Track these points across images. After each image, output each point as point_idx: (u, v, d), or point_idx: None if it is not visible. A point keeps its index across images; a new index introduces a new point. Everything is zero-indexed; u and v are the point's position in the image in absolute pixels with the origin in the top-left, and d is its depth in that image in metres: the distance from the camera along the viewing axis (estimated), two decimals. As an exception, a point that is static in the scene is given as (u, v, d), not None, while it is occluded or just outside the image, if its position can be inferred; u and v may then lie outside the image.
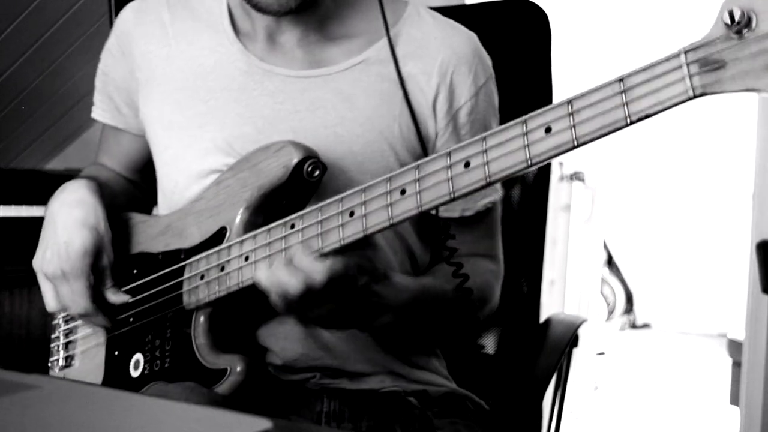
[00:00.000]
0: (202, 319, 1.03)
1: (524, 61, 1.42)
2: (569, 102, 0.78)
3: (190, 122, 1.11)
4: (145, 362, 1.08)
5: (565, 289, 3.51)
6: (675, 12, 4.66)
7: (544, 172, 1.44)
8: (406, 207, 0.88)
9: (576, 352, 1.37)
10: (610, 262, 5.75)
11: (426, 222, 1.16)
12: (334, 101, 1.08)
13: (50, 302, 1.10)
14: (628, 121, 0.75)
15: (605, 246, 5.19)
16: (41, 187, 2.18)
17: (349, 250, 0.92)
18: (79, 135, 2.93)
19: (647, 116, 0.75)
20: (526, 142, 0.80)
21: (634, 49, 4.40)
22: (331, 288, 0.89)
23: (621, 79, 0.75)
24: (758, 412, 2.48)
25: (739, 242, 4.40)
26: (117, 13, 1.99)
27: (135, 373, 1.09)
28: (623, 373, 4.48)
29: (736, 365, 2.80)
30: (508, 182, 1.44)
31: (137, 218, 1.18)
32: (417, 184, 0.87)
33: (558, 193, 3.50)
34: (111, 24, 1.97)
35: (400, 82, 1.07)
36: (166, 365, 1.06)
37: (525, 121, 0.80)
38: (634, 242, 5.82)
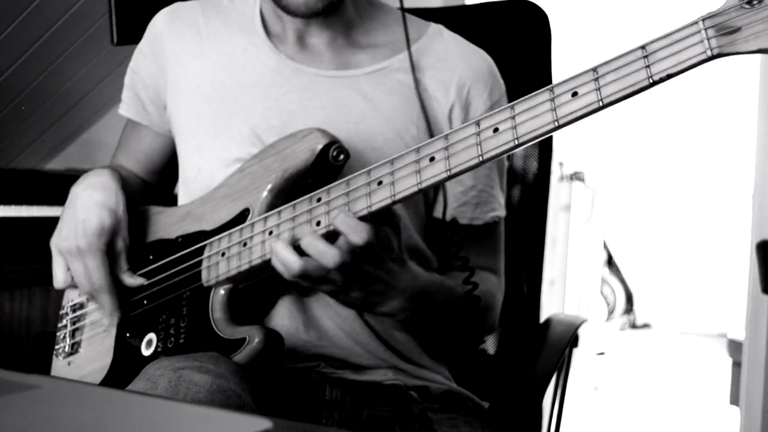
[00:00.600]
0: (221, 292, 1.04)
1: (524, 61, 1.42)
2: (594, 69, 0.82)
3: (218, 114, 1.14)
4: (158, 340, 1.09)
5: (565, 289, 3.51)
6: (674, 13, 4.66)
7: (544, 172, 1.44)
8: (436, 171, 0.89)
9: (576, 352, 1.37)
10: (610, 262, 5.76)
11: (433, 229, 1.17)
12: (357, 100, 1.12)
13: (59, 278, 1.12)
14: (651, 81, 0.80)
15: (605, 246, 5.19)
16: (41, 187, 2.19)
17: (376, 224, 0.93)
18: (79, 135, 2.93)
19: (669, 76, 0.80)
20: (553, 106, 0.83)
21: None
22: (367, 254, 0.90)
23: (643, 47, 0.81)
24: (758, 412, 2.48)
25: (739, 242, 4.40)
26: (117, 13, 2.00)
27: (147, 352, 1.09)
28: (623, 373, 4.48)
29: (736, 365, 2.80)
30: (509, 182, 1.44)
31: (154, 209, 1.19)
32: (446, 150, 0.88)
33: (558, 193, 3.50)
34: (111, 24, 1.98)
35: (417, 90, 1.12)
36: (181, 341, 1.06)
37: (552, 89, 0.84)
38: (634, 242, 5.82)
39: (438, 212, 1.16)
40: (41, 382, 0.65)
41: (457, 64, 1.16)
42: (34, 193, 2.16)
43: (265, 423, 0.54)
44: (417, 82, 1.12)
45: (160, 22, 1.24)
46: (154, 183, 1.31)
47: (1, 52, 2.35)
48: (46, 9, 2.30)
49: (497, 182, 1.19)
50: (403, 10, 1.17)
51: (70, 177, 1.17)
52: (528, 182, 1.44)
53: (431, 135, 1.11)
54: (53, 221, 1.14)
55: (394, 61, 1.15)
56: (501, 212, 1.19)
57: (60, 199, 1.15)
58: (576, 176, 3.57)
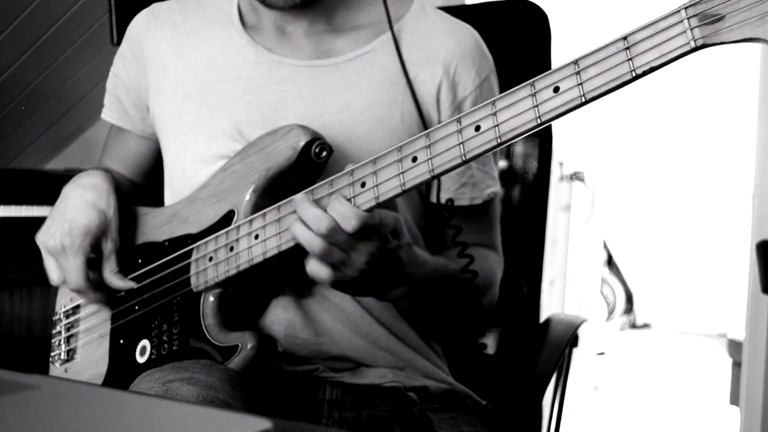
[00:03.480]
0: (211, 299, 1.04)
1: (524, 61, 1.42)
2: (575, 62, 0.80)
3: (199, 111, 1.14)
4: (152, 347, 1.09)
5: (565, 289, 3.51)
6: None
7: (544, 172, 1.44)
8: (419, 172, 0.88)
9: (576, 352, 1.37)
10: (610, 262, 5.76)
11: (428, 215, 1.17)
12: (339, 89, 1.11)
13: (53, 276, 1.12)
14: (634, 74, 0.78)
15: (605, 246, 5.19)
16: (41, 187, 2.19)
17: None
18: (79, 135, 2.93)
19: (652, 69, 0.77)
20: (535, 102, 0.82)
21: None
22: (361, 238, 0.89)
23: (624, 37, 0.78)
24: (758, 412, 2.48)
25: (739, 242, 4.40)
26: (117, 13, 2.00)
27: (141, 359, 1.09)
28: (623, 373, 4.48)
29: (736, 365, 2.80)
30: (509, 182, 1.44)
31: (141, 210, 1.19)
32: (428, 150, 0.87)
33: (558, 193, 3.50)
34: (111, 24, 1.98)
35: (404, 70, 1.09)
36: (174, 348, 1.06)
37: (533, 83, 0.82)
38: (634, 242, 5.82)
39: (434, 197, 1.15)
40: (41, 382, 0.65)
41: (442, 42, 1.14)
42: (34, 193, 2.16)
43: (265, 423, 0.54)
44: (403, 62, 1.09)
45: (138, 24, 1.23)
46: (143, 184, 1.31)
47: (1, 52, 2.35)
48: (46, 9, 2.30)
49: (490, 158, 1.19)
50: None
51: (70, 177, 1.17)
52: (528, 182, 1.44)
53: (421, 116, 1.09)
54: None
55: (376, 43, 1.13)
56: (497, 187, 1.19)
57: (60, 200, 1.15)
58: (576, 176, 3.57)
